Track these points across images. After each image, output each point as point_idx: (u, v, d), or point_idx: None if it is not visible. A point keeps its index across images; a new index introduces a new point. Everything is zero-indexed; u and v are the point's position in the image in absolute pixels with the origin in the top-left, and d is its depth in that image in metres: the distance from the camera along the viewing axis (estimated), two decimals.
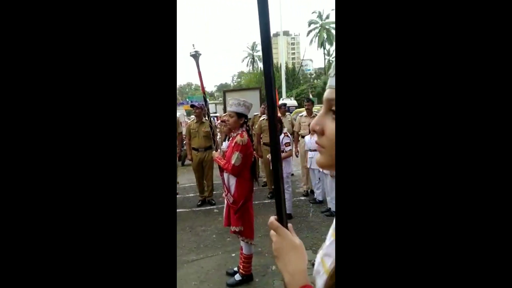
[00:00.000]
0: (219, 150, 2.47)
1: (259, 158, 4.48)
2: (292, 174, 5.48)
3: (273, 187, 4.24)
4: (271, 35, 0.58)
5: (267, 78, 0.57)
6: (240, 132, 2.21)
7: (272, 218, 0.59)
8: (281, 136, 3.79)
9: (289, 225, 0.60)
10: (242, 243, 2.34)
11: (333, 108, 0.48)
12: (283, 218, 0.59)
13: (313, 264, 0.59)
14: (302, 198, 4.53)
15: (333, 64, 0.50)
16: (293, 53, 70.09)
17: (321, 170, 3.76)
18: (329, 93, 0.49)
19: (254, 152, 2.36)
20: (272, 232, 0.59)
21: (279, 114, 4.39)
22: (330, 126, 0.49)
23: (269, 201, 4.47)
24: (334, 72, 0.49)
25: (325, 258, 0.52)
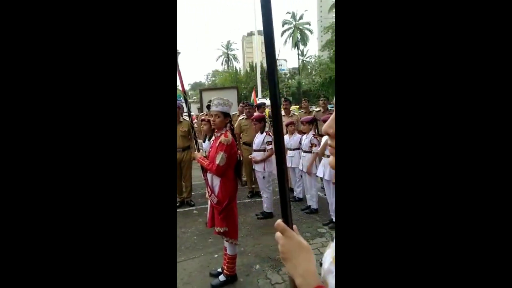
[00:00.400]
0: (201, 150, 2.43)
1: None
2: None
3: (252, 186, 4.21)
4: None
5: (270, 77, 0.57)
6: (224, 131, 2.18)
7: (279, 220, 0.59)
8: (263, 135, 3.81)
9: (294, 226, 0.60)
10: (226, 244, 2.32)
11: None
12: (289, 220, 0.59)
13: (320, 264, 0.60)
14: None
15: None
16: None
17: (301, 168, 3.83)
18: None
19: (239, 151, 2.35)
20: (278, 234, 0.58)
21: (256, 113, 4.41)
22: None
23: (249, 200, 4.47)
24: None
25: None
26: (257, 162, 3.78)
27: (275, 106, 0.59)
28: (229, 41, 52.44)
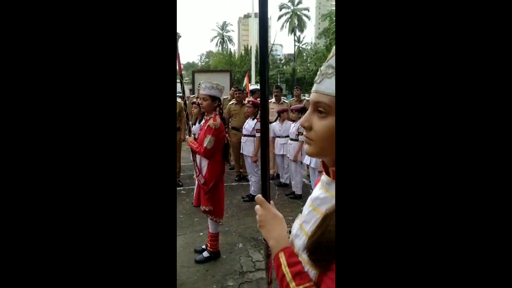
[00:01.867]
0: (192, 134, 2.50)
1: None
2: None
3: (239, 169, 4.31)
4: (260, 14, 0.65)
5: (262, 71, 0.65)
6: (213, 115, 2.25)
7: (259, 195, 0.69)
8: (255, 121, 3.88)
9: (271, 201, 0.70)
10: (209, 222, 2.43)
11: (319, 109, 0.57)
12: (267, 195, 0.70)
13: (289, 232, 0.71)
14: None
15: (319, 72, 0.59)
16: None
17: (289, 156, 3.95)
18: (315, 96, 0.58)
19: (227, 135, 2.43)
20: (257, 206, 0.69)
21: (249, 98, 4.45)
22: (317, 123, 0.58)
23: (236, 183, 4.59)
24: (320, 79, 0.58)
25: (304, 224, 0.64)
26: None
27: (263, 94, 0.68)
28: (225, 22, 51.27)
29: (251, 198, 3.87)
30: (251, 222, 3.25)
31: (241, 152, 4.17)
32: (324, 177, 0.66)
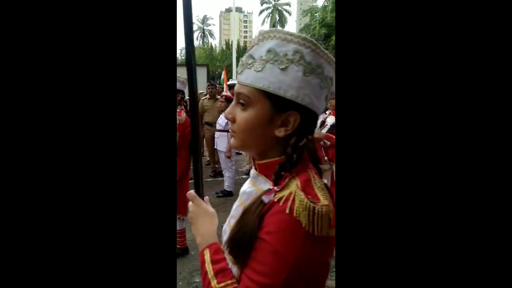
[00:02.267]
0: None
1: (203, 137, 4.49)
2: (240, 153, 5.63)
3: (215, 165, 4.26)
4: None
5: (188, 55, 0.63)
6: (178, 110, 2.19)
7: (191, 191, 0.67)
8: None
9: (206, 197, 0.68)
10: None
11: (241, 101, 0.55)
12: (200, 191, 0.68)
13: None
14: (244, 176, 4.72)
15: (240, 62, 0.58)
16: (245, 32, 68.85)
17: None
18: (237, 87, 0.57)
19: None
20: (189, 203, 0.66)
21: (226, 93, 4.40)
22: (239, 115, 0.56)
23: (212, 179, 4.55)
24: (241, 69, 0.56)
25: (231, 219, 0.63)
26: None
27: (192, 89, 0.65)
28: (206, 15, 50.43)
29: (225, 194, 3.85)
30: (223, 218, 3.21)
31: (215, 147, 4.12)
32: (252, 171, 0.64)
